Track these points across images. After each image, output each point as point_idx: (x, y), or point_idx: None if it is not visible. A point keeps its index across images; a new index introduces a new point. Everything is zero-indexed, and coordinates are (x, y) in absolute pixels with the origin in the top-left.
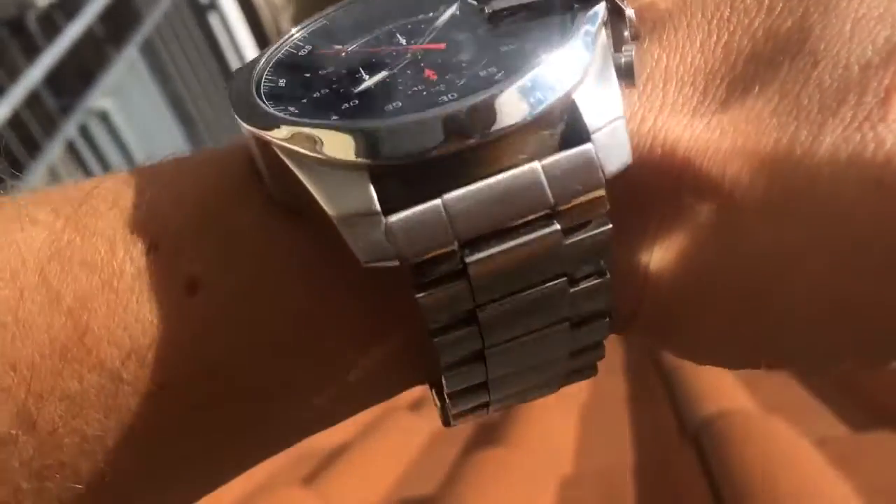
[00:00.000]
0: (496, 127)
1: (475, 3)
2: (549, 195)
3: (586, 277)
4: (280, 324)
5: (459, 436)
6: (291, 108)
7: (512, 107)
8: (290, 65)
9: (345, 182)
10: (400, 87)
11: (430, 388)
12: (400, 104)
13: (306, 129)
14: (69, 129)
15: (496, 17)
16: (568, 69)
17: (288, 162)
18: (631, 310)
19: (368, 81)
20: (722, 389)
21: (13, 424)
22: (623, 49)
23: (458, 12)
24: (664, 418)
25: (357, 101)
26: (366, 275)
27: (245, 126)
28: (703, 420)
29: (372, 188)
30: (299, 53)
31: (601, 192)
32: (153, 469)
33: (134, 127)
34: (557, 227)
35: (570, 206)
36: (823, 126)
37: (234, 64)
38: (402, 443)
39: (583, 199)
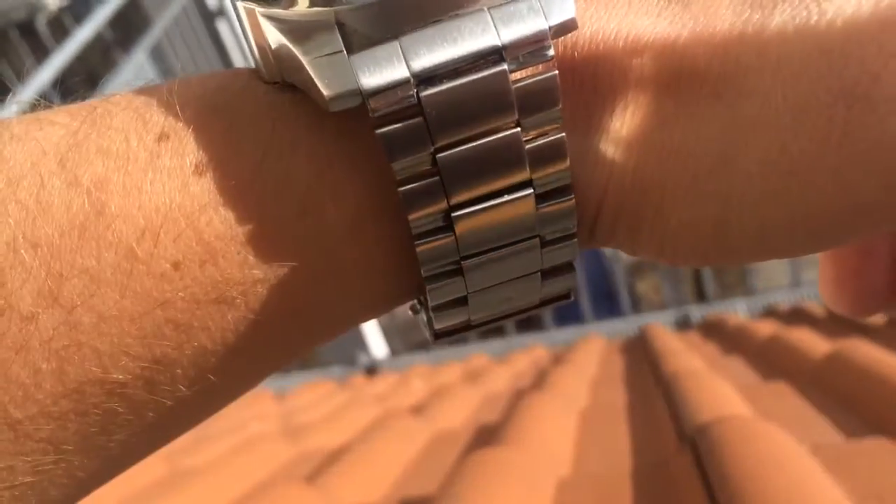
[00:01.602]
0: None
1: None
2: (497, 36)
3: (542, 134)
4: (286, 198)
5: (459, 438)
6: None
7: None
8: None
9: (315, 31)
10: None
11: (420, 304)
12: None
13: None
14: None
15: None
16: None
17: (271, 27)
18: (598, 196)
19: None
20: (718, 397)
21: (34, 303)
22: None
23: None
24: (662, 424)
25: None
26: (366, 147)
27: (238, 4)
28: (700, 426)
29: (338, 33)
30: None
31: (542, 35)
32: (167, 353)
33: None
34: (505, 66)
35: (515, 45)
36: (774, 9)
37: None
38: (402, 444)
39: (527, 38)
